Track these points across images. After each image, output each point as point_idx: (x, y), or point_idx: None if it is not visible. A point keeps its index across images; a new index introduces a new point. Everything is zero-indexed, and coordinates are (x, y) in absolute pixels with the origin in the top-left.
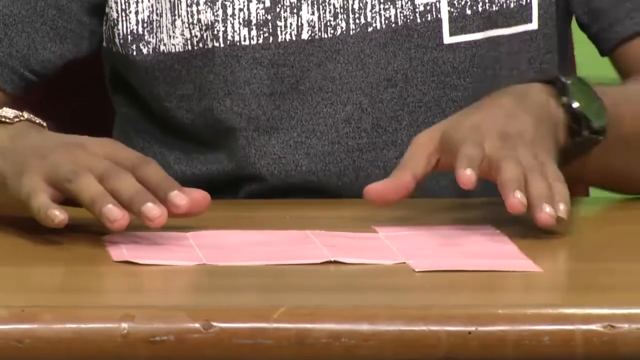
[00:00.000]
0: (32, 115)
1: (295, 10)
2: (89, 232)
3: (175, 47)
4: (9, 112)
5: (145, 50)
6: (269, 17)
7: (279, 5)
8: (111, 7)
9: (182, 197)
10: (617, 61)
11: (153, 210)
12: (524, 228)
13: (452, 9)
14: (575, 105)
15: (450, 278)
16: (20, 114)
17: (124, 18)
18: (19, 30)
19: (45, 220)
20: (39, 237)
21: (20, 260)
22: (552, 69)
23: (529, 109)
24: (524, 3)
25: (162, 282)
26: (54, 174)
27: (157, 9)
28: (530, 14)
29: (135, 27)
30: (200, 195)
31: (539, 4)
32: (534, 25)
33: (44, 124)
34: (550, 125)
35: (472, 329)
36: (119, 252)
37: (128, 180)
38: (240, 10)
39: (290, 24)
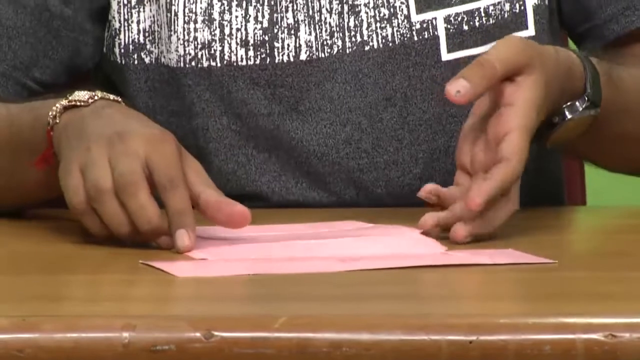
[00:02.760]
0: (105, 93)
1: (292, 32)
2: (91, 241)
3: (171, 62)
4: (82, 95)
5: (147, 60)
6: (267, 38)
7: (277, 27)
8: (113, 17)
9: (185, 239)
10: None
11: (166, 246)
12: (528, 238)
13: (448, 26)
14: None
15: (451, 287)
16: (94, 94)
17: (126, 27)
18: (22, 42)
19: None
20: (39, 246)
21: (21, 270)
22: None
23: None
24: (517, 11)
25: (163, 291)
26: (84, 171)
27: (157, 20)
28: (526, 21)
29: (136, 37)
30: (238, 210)
31: (533, 10)
32: (530, 31)
33: (119, 99)
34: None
35: (473, 338)
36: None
37: (141, 206)
38: (238, 30)
39: (288, 45)
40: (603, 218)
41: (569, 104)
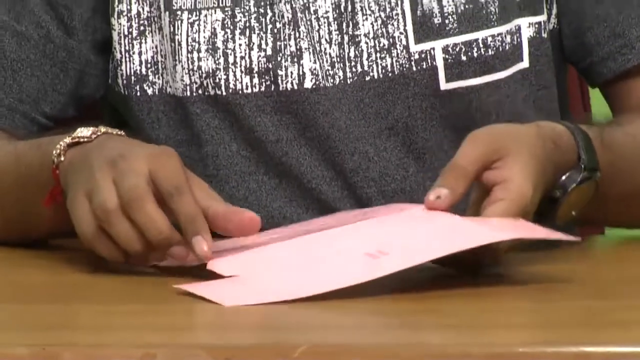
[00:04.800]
0: (108, 128)
1: (296, 59)
2: (107, 270)
3: (177, 91)
4: (85, 132)
5: (150, 91)
6: (270, 66)
7: (280, 54)
8: (115, 48)
9: (203, 244)
10: (608, 95)
11: (180, 256)
12: (545, 266)
13: (447, 56)
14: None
15: (471, 316)
16: (97, 129)
17: (127, 59)
18: (28, 74)
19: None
20: (59, 275)
21: (41, 298)
22: (547, 104)
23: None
24: (515, 43)
25: (182, 320)
26: (90, 197)
27: (161, 50)
28: (521, 53)
29: (138, 68)
30: (247, 217)
31: (529, 42)
32: (525, 63)
33: (122, 133)
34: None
35: None
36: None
37: (150, 219)
38: (242, 58)
39: (291, 72)
40: (621, 246)
41: (567, 174)
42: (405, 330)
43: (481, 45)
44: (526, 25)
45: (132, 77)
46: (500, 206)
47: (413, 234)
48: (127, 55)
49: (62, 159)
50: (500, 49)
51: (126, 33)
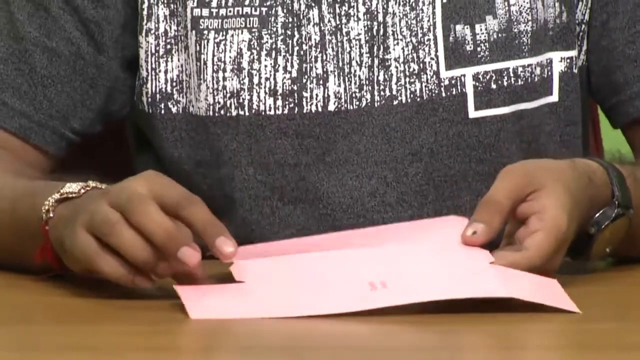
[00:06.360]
0: (97, 183)
1: (321, 82)
2: (112, 291)
3: (200, 111)
4: (74, 187)
5: (174, 110)
6: (295, 88)
7: (306, 76)
8: (141, 65)
9: (228, 244)
10: (633, 135)
11: (190, 257)
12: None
13: (477, 84)
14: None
15: (480, 337)
16: (86, 184)
17: (153, 77)
18: (58, 90)
19: (128, 285)
20: (60, 297)
21: (42, 320)
22: (572, 140)
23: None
24: (545, 76)
25: (183, 341)
26: (90, 223)
27: (186, 69)
28: (551, 87)
29: (164, 86)
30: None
31: (559, 77)
32: (554, 97)
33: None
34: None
35: None
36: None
37: (155, 220)
38: (267, 79)
39: (317, 95)
40: (630, 269)
41: (601, 211)
42: (414, 352)
43: (511, 75)
44: (558, 60)
45: (157, 95)
46: (536, 237)
47: (421, 270)
48: (153, 73)
49: (52, 215)
50: (529, 80)
51: (153, 51)
